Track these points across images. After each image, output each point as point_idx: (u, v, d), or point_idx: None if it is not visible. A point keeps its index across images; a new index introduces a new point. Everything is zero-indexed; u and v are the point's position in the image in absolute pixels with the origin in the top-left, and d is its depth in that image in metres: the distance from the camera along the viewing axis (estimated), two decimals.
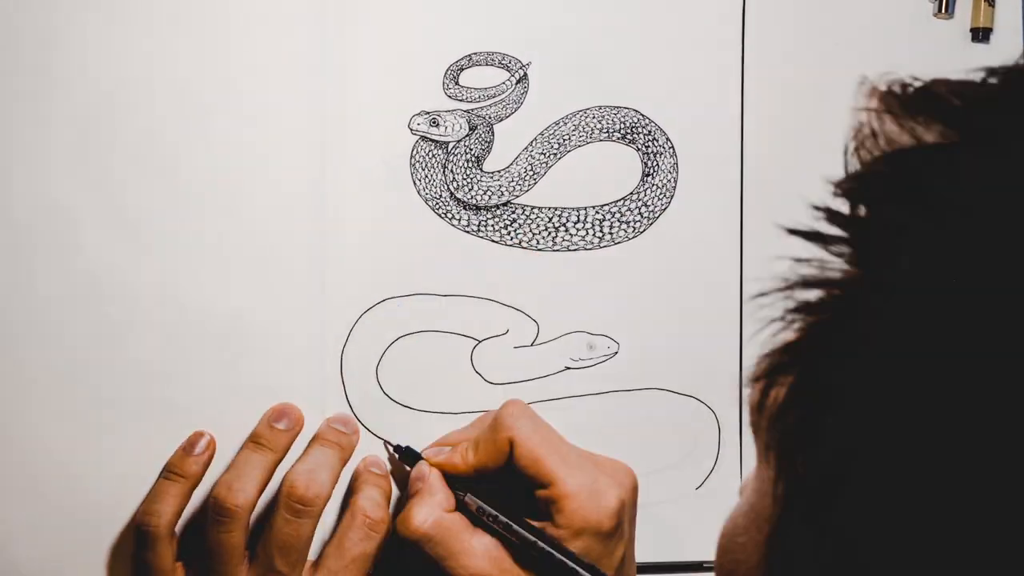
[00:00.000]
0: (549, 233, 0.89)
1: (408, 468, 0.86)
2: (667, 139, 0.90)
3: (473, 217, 0.88)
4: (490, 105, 0.89)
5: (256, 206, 0.86)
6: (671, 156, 0.90)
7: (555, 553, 0.80)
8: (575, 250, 0.89)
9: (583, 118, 0.89)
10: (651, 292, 0.90)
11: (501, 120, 0.89)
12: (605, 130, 0.90)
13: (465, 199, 0.88)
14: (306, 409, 0.86)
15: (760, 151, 0.91)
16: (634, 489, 0.85)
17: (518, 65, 0.89)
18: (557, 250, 0.89)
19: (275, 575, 0.82)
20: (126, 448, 0.85)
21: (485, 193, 0.89)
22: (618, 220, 0.90)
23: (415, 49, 0.88)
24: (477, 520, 0.83)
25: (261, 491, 0.84)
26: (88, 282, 0.85)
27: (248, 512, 0.82)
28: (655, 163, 0.90)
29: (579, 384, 0.90)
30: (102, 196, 0.85)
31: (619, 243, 0.90)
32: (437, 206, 0.88)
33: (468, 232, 0.88)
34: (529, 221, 0.89)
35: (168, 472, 0.84)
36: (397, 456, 0.86)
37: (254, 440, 0.85)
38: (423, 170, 0.88)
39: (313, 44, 0.87)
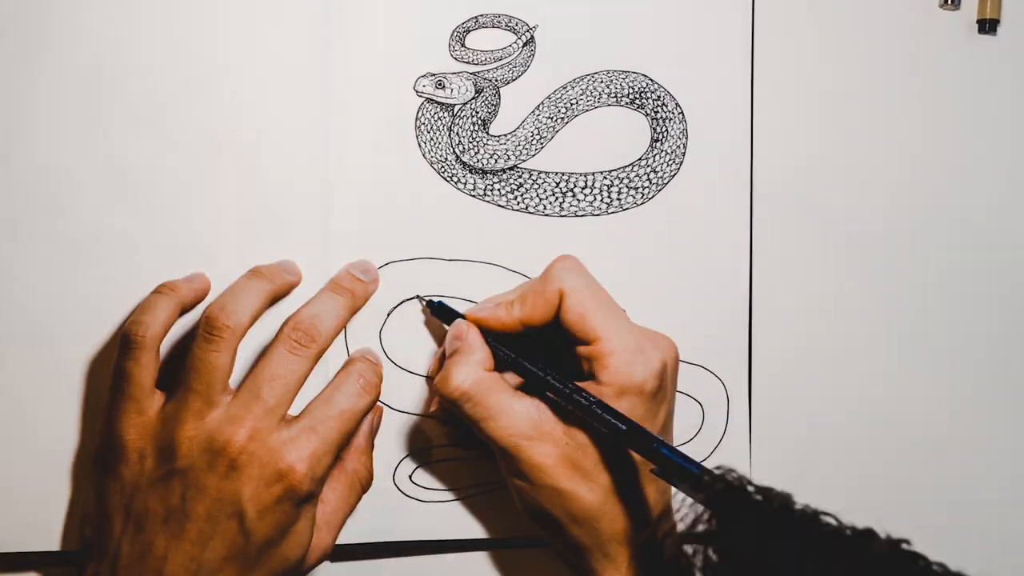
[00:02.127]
0: (556, 198, 0.88)
1: (445, 326, 0.85)
2: (676, 104, 0.89)
3: (479, 181, 0.88)
4: (496, 68, 0.88)
5: (258, 169, 0.86)
6: (680, 122, 0.89)
7: (599, 411, 0.78)
8: (582, 216, 0.88)
9: (591, 82, 0.89)
10: (659, 259, 0.89)
11: (508, 83, 0.88)
12: (613, 95, 0.89)
13: (471, 163, 0.88)
14: (310, 375, 0.85)
15: (770, 117, 0.90)
16: (676, 357, 0.84)
17: (525, 27, 0.88)
18: (564, 216, 0.88)
19: (260, 402, 0.80)
20: None
21: (492, 157, 0.88)
22: (626, 186, 0.89)
23: (420, 10, 0.88)
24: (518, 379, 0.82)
25: (254, 319, 0.82)
26: (88, 246, 0.84)
27: (239, 334, 0.81)
28: (664, 128, 0.89)
29: None
30: (100, 156, 0.85)
31: (627, 209, 0.89)
32: (443, 169, 0.87)
33: (474, 196, 0.88)
34: (536, 186, 0.88)
35: (160, 287, 0.83)
36: (430, 311, 0.86)
37: (254, 271, 0.84)
38: (428, 133, 0.87)
39: (317, 4, 0.86)
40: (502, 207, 0.88)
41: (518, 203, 0.88)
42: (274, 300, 0.84)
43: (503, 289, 0.88)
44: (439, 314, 0.86)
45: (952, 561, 0.86)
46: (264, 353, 0.82)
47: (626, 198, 0.89)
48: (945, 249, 0.91)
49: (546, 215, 0.88)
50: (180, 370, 0.80)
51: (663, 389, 0.81)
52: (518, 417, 0.80)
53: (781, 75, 0.90)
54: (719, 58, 0.90)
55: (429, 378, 0.87)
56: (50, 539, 0.85)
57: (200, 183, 0.85)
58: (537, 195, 0.88)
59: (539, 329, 0.83)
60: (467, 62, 0.88)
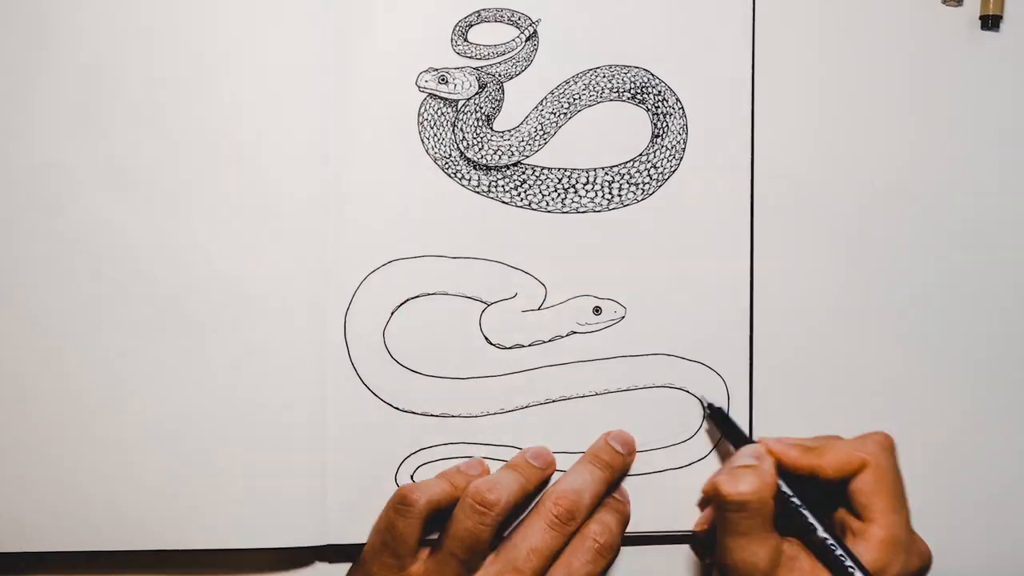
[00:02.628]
0: (558, 194, 0.87)
1: (726, 438, 0.87)
2: (677, 100, 0.89)
3: (483, 177, 0.87)
4: (500, 62, 0.87)
5: (258, 165, 0.84)
6: (681, 117, 0.89)
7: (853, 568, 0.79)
8: (584, 212, 0.88)
9: (593, 77, 0.88)
10: (660, 255, 0.89)
11: (511, 78, 0.87)
12: (615, 90, 0.88)
13: (475, 159, 0.87)
14: (309, 373, 0.85)
15: (771, 112, 0.90)
16: (927, 570, 0.85)
17: (528, 22, 0.87)
18: (566, 212, 0.88)
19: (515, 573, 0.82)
20: (116, 408, 0.83)
21: (496, 152, 0.87)
22: (627, 182, 0.88)
23: (423, 5, 0.87)
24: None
25: (515, 501, 0.83)
26: (86, 244, 0.83)
27: (502, 512, 0.82)
28: (664, 124, 0.89)
29: (586, 348, 0.88)
30: (100, 155, 0.83)
31: (628, 205, 0.88)
32: (446, 166, 0.86)
33: (478, 193, 0.87)
34: (539, 182, 0.87)
35: (455, 467, 0.86)
36: (710, 419, 0.88)
37: (510, 466, 0.86)
38: (431, 128, 0.86)
39: (317, 0, 0.85)
40: (506, 203, 0.87)
41: (521, 199, 0.87)
42: (526, 492, 0.85)
43: (507, 286, 0.87)
44: (720, 423, 0.87)
45: (954, 559, 0.87)
46: (524, 522, 0.83)
47: (627, 194, 0.88)
48: (947, 245, 0.91)
49: (548, 211, 0.87)
50: (443, 532, 0.82)
51: None
52: (768, 549, 0.80)
53: (782, 70, 0.90)
54: (720, 53, 0.89)
55: (432, 376, 0.86)
56: (47, 540, 0.84)
57: (200, 181, 0.84)
58: (540, 191, 0.87)
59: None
60: (470, 57, 0.87)
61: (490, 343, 0.87)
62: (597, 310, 0.88)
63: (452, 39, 0.87)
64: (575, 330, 0.88)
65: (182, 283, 0.84)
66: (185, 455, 0.84)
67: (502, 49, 0.87)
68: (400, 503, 0.82)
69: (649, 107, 0.89)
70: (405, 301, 0.86)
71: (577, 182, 0.88)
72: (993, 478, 0.92)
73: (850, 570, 0.79)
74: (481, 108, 0.86)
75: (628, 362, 0.89)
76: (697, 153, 0.89)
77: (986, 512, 0.92)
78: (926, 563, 0.83)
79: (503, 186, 0.87)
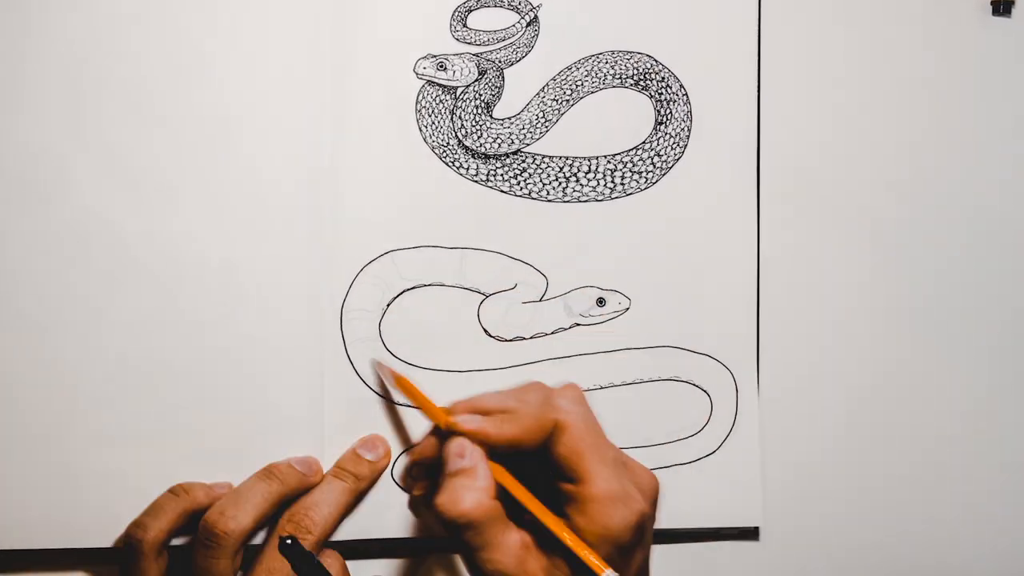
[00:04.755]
0: (560, 183, 0.86)
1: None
2: (680, 86, 0.87)
3: (482, 166, 0.85)
4: (499, 49, 0.85)
5: (253, 154, 0.83)
6: (685, 104, 0.87)
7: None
8: (586, 201, 0.86)
9: (595, 63, 0.86)
10: (664, 245, 0.87)
11: (511, 64, 0.86)
12: (618, 76, 0.87)
13: (474, 147, 0.85)
14: (305, 366, 0.83)
15: (777, 99, 0.88)
16: (655, 497, 0.80)
17: (528, 7, 0.86)
18: (567, 201, 0.86)
19: None
20: (110, 401, 0.82)
21: (495, 141, 0.85)
22: (630, 170, 0.86)
23: None
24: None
25: (258, 521, 0.80)
26: (76, 233, 0.82)
27: (237, 539, 0.79)
28: (668, 111, 0.87)
29: (589, 341, 0.87)
30: (91, 143, 0.82)
31: (631, 194, 0.87)
32: (444, 154, 0.85)
33: (477, 182, 0.85)
34: (540, 171, 0.85)
35: (175, 487, 0.82)
36: (384, 377, 0.84)
37: (266, 470, 0.82)
38: (430, 116, 0.84)
39: None
40: (505, 192, 0.85)
41: (521, 188, 0.85)
42: (285, 500, 0.82)
43: (505, 277, 0.86)
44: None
45: (956, 556, 0.86)
46: (262, 548, 0.80)
47: (630, 183, 0.87)
48: (958, 235, 0.90)
49: (549, 201, 0.86)
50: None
51: (640, 540, 0.78)
52: (509, 552, 0.75)
53: (789, 56, 0.89)
54: (725, 38, 0.88)
55: (430, 369, 0.85)
56: (40, 537, 0.82)
57: (194, 171, 0.83)
58: (540, 180, 0.85)
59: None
60: (469, 43, 0.85)
61: (489, 336, 0.86)
62: (601, 302, 0.86)
63: (451, 25, 0.85)
64: (578, 322, 0.86)
65: (176, 275, 0.83)
66: (180, 450, 0.83)
67: (502, 35, 0.85)
68: (205, 538, 0.79)
69: (652, 93, 0.87)
70: (402, 293, 0.85)
71: (579, 171, 0.86)
72: (1004, 472, 0.91)
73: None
74: (480, 95, 0.85)
75: (633, 355, 0.87)
76: (702, 140, 0.88)
77: (993, 509, 0.91)
78: (652, 494, 0.79)
79: (503, 175, 0.85)
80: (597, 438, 0.78)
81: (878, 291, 0.89)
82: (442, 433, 0.79)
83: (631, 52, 0.87)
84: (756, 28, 0.88)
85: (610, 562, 0.75)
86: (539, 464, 0.78)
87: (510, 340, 0.86)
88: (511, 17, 0.86)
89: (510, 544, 0.75)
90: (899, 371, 0.90)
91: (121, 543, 0.81)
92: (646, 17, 0.87)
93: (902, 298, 0.90)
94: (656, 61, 0.87)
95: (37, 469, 0.81)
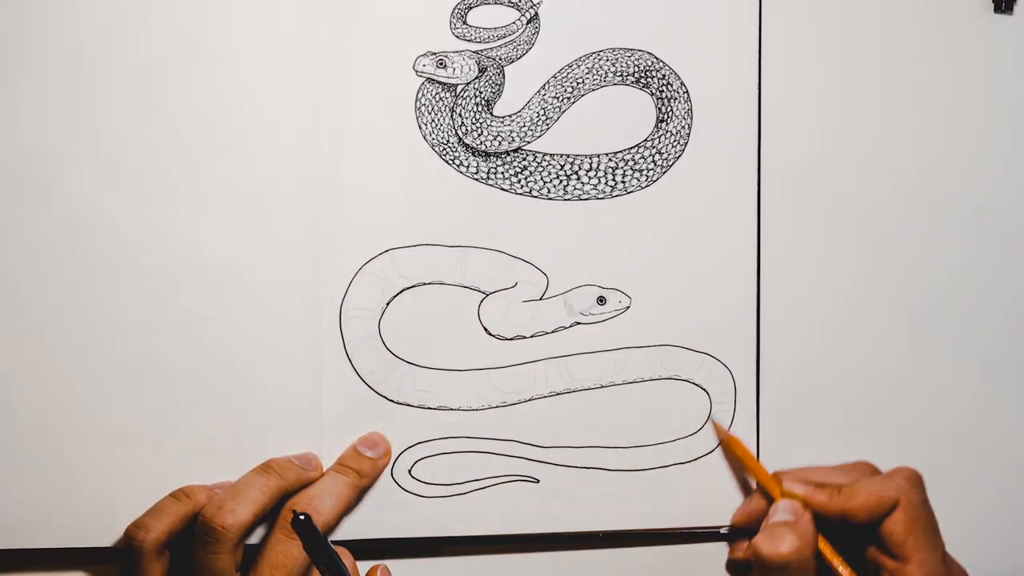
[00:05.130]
0: (560, 181, 0.85)
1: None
2: (681, 83, 0.87)
3: (482, 164, 0.85)
4: (500, 46, 0.85)
5: (252, 150, 0.83)
6: (685, 101, 0.87)
7: None
8: (586, 199, 0.86)
9: (596, 60, 0.86)
10: (665, 243, 0.87)
11: (511, 62, 0.85)
12: (619, 73, 0.86)
13: (474, 145, 0.84)
14: (304, 364, 0.83)
15: (778, 96, 0.88)
16: None
17: (529, 4, 0.85)
18: (568, 199, 0.86)
19: None
20: (108, 400, 0.82)
21: (496, 139, 0.85)
22: (631, 168, 0.86)
23: None
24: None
25: (257, 515, 0.80)
26: (74, 229, 0.81)
27: (236, 533, 0.78)
28: (669, 108, 0.87)
29: (590, 340, 0.87)
30: (89, 138, 0.81)
31: (632, 192, 0.86)
32: (444, 152, 0.84)
33: (477, 180, 0.85)
34: (540, 169, 0.85)
35: (177, 491, 0.81)
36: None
37: (265, 465, 0.82)
38: (430, 114, 0.84)
39: None
40: (505, 191, 0.85)
41: (522, 186, 0.85)
42: (284, 495, 0.81)
43: (505, 275, 0.85)
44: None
45: (959, 552, 0.86)
46: (263, 543, 0.80)
47: (630, 181, 0.86)
48: (959, 233, 0.90)
49: (550, 199, 0.86)
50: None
51: None
52: None
53: (790, 53, 0.88)
54: (726, 36, 0.88)
55: (430, 368, 0.84)
56: (36, 536, 0.82)
57: (192, 168, 0.82)
58: (541, 178, 0.85)
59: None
60: (469, 40, 0.85)
61: (490, 334, 0.85)
62: (601, 300, 0.86)
63: (451, 22, 0.85)
64: (579, 321, 0.86)
65: (174, 272, 0.82)
66: (178, 448, 0.82)
67: (502, 32, 0.85)
68: (204, 533, 0.79)
69: (653, 91, 0.87)
70: (401, 291, 0.84)
71: (580, 169, 0.86)
72: (1005, 470, 0.91)
73: None
74: (481, 93, 0.84)
75: (633, 353, 0.87)
76: (703, 138, 0.87)
77: (996, 509, 0.90)
78: None
79: (503, 173, 0.85)
80: (933, 526, 0.81)
81: (880, 291, 0.89)
82: (770, 500, 0.82)
83: (632, 49, 0.86)
84: (757, 25, 0.88)
85: None
86: (852, 535, 0.81)
87: (510, 339, 0.85)
88: (511, 14, 0.85)
89: None
90: (899, 370, 0.90)
91: (122, 543, 0.80)
92: (647, 14, 0.87)
93: (903, 297, 0.89)
94: (657, 58, 0.87)
95: (33, 467, 0.81)
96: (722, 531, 0.88)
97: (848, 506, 0.81)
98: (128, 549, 0.79)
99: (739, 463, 0.86)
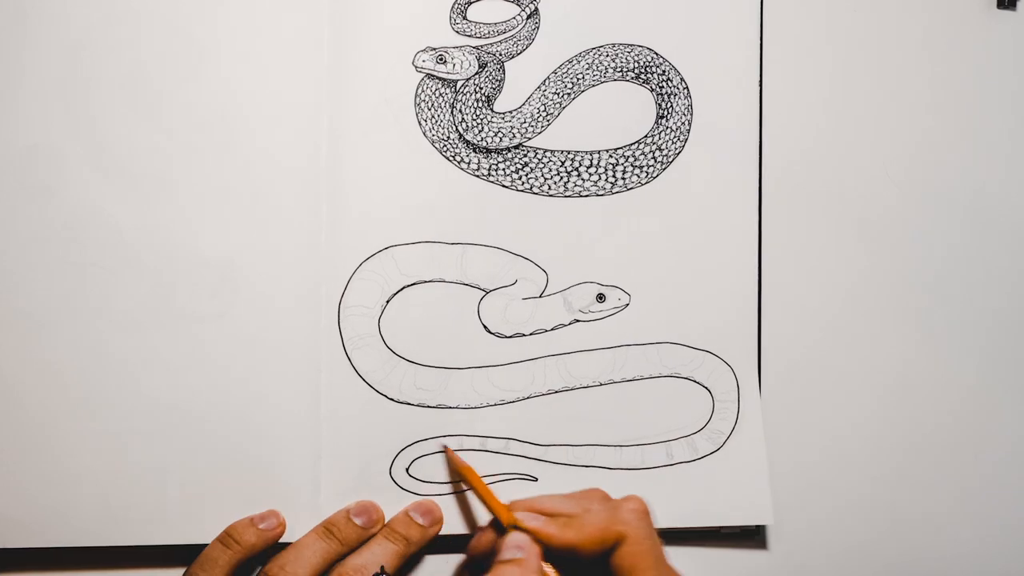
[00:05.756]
0: (561, 178, 0.85)
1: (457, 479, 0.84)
2: (682, 79, 0.86)
3: (483, 160, 0.84)
4: (500, 41, 0.84)
5: (251, 147, 0.82)
6: (686, 97, 0.86)
7: None
8: (587, 196, 0.86)
9: (596, 56, 0.85)
10: (665, 240, 0.86)
11: (512, 57, 0.85)
12: (619, 69, 0.86)
13: (475, 141, 0.84)
14: (303, 363, 0.83)
15: (779, 93, 0.88)
16: None
17: None
18: (568, 196, 0.85)
19: None
20: (105, 399, 0.81)
21: (496, 135, 0.84)
22: (631, 164, 0.86)
23: None
24: None
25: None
26: (72, 228, 0.81)
27: None
28: (669, 104, 0.86)
29: (589, 337, 0.86)
30: (87, 136, 0.81)
31: (632, 188, 0.86)
32: (444, 148, 0.84)
33: (477, 176, 0.84)
34: (541, 165, 0.85)
35: (225, 536, 0.82)
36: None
37: (326, 527, 0.82)
38: (429, 110, 0.83)
39: None
40: (506, 187, 0.84)
41: (522, 183, 0.84)
42: (338, 557, 0.82)
43: (505, 273, 0.85)
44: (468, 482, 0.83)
45: (960, 551, 0.85)
46: None
47: (631, 177, 0.86)
48: (960, 230, 0.90)
49: (550, 195, 0.85)
50: None
51: None
52: None
53: (791, 49, 0.88)
54: (726, 31, 0.87)
55: (429, 366, 0.84)
56: (33, 536, 0.81)
57: (191, 165, 0.82)
58: (542, 174, 0.85)
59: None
60: (470, 35, 0.84)
61: (489, 332, 0.85)
62: (601, 297, 0.85)
63: (451, 17, 0.84)
64: (578, 318, 0.86)
65: (173, 270, 0.82)
66: (175, 447, 0.82)
67: (502, 27, 0.84)
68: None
69: (653, 87, 0.86)
70: (401, 289, 0.84)
71: (580, 165, 0.85)
72: (1011, 467, 0.90)
73: None
74: (481, 89, 0.84)
75: (633, 351, 0.86)
76: (703, 134, 0.87)
77: (1000, 505, 0.90)
78: None
79: (503, 169, 0.84)
80: (657, 557, 0.79)
81: (881, 288, 0.89)
82: (501, 529, 0.80)
83: (632, 45, 0.86)
84: (758, 20, 0.87)
85: None
86: (590, 570, 0.79)
87: (510, 336, 0.85)
88: (511, 9, 0.85)
89: None
90: (902, 367, 0.89)
91: None
92: (647, 10, 0.86)
93: (905, 294, 0.89)
94: (657, 54, 0.86)
95: (32, 466, 0.80)
96: (722, 531, 0.87)
97: (576, 539, 0.79)
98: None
99: (474, 491, 0.84)
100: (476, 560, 0.82)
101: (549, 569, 0.78)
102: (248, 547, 0.81)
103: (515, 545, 0.78)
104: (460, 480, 0.84)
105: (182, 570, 0.82)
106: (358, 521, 0.82)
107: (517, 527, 0.78)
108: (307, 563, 0.80)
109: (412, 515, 0.83)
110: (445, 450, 0.84)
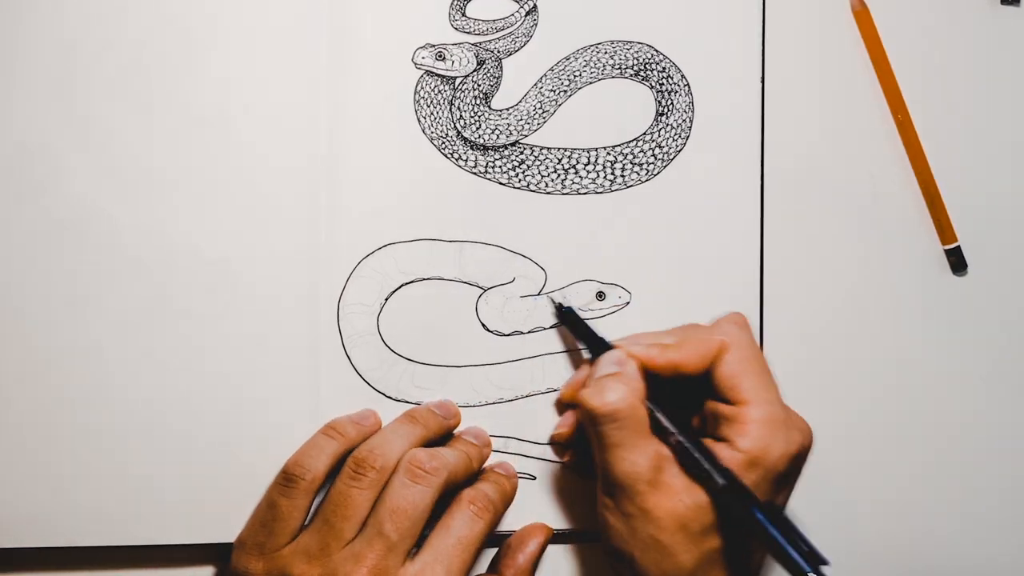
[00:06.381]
0: (559, 175, 0.84)
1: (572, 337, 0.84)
2: (682, 76, 0.86)
3: (481, 157, 0.84)
4: (498, 38, 0.84)
5: (249, 145, 0.82)
6: (686, 94, 0.86)
7: (724, 481, 0.75)
8: (585, 193, 0.85)
9: (594, 53, 0.85)
10: (665, 238, 0.86)
11: (510, 54, 0.84)
12: (617, 66, 0.85)
13: (472, 138, 0.84)
14: (301, 361, 0.82)
15: (781, 89, 0.87)
16: (811, 444, 0.80)
17: None
18: (567, 193, 0.85)
19: (382, 539, 0.77)
20: (112, 398, 0.81)
21: (494, 132, 0.84)
22: (631, 162, 0.85)
23: None
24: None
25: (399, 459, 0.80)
26: (68, 226, 0.81)
27: (384, 477, 0.79)
28: (669, 102, 0.86)
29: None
30: (83, 134, 0.81)
31: (631, 186, 0.86)
32: (443, 145, 0.83)
33: (475, 174, 0.84)
34: (538, 162, 0.84)
35: (329, 427, 0.81)
36: (561, 316, 0.85)
37: (409, 415, 0.83)
38: (428, 107, 0.83)
39: None
40: (503, 184, 0.84)
41: (520, 180, 0.84)
42: (422, 441, 0.82)
43: (503, 270, 0.85)
44: (569, 322, 0.83)
45: (960, 550, 0.85)
46: (386, 486, 0.79)
47: (630, 175, 0.85)
48: (965, 226, 0.89)
49: (548, 193, 0.85)
50: (323, 501, 0.79)
51: (791, 474, 0.78)
52: (647, 456, 0.76)
53: (793, 45, 0.87)
54: (728, 27, 0.87)
55: (428, 364, 0.84)
56: (30, 535, 0.81)
57: (188, 163, 0.82)
58: (539, 172, 0.84)
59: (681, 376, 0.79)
60: (468, 32, 0.84)
61: (487, 330, 0.84)
62: (600, 296, 0.85)
63: (450, 14, 0.84)
64: None
65: (170, 269, 0.82)
66: (173, 446, 0.82)
67: (501, 24, 0.84)
68: (284, 481, 0.79)
69: (653, 84, 0.86)
70: (400, 287, 0.83)
71: (578, 162, 0.85)
72: (1018, 463, 0.90)
73: (708, 471, 0.75)
74: (479, 86, 0.84)
75: None
76: (704, 132, 0.86)
77: (1007, 502, 0.90)
78: (807, 440, 0.79)
79: (501, 166, 0.84)
80: (761, 364, 0.79)
81: (883, 286, 0.88)
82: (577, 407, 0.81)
83: (631, 42, 0.86)
84: (760, 16, 0.87)
85: (758, 490, 0.75)
86: (697, 393, 0.79)
87: (508, 335, 0.85)
88: (510, 6, 0.84)
89: (648, 449, 0.76)
90: (906, 365, 0.89)
91: (281, 480, 0.80)
92: (647, 6, 0.86)
93: (908, 292, 0.89)
94: (657, 51, 0.86)
95: (28, 465, 0.80)
96: None
97: (677, 358, 0.78)
98: (287, 481, 0.79)
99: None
100: (571, 407, 0.83)
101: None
102: (350, 440, 0.81)
103: (612, 361, 0.79)
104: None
105: (182, 569, 0.82)
106: (439, 412, 0.83)
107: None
108: (396, 447, 0.80)
109: (429, 406, 0.84)
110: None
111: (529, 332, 0.85)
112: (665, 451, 0.76)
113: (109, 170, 0.81)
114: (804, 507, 0.88)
